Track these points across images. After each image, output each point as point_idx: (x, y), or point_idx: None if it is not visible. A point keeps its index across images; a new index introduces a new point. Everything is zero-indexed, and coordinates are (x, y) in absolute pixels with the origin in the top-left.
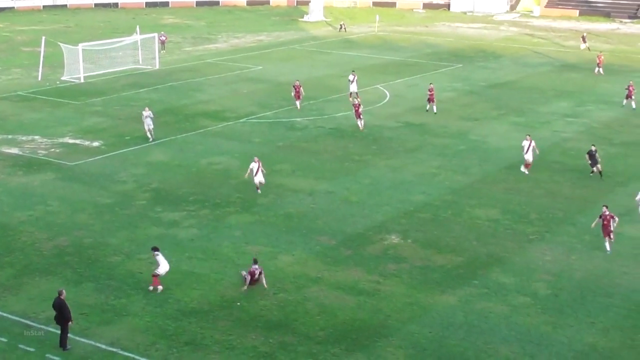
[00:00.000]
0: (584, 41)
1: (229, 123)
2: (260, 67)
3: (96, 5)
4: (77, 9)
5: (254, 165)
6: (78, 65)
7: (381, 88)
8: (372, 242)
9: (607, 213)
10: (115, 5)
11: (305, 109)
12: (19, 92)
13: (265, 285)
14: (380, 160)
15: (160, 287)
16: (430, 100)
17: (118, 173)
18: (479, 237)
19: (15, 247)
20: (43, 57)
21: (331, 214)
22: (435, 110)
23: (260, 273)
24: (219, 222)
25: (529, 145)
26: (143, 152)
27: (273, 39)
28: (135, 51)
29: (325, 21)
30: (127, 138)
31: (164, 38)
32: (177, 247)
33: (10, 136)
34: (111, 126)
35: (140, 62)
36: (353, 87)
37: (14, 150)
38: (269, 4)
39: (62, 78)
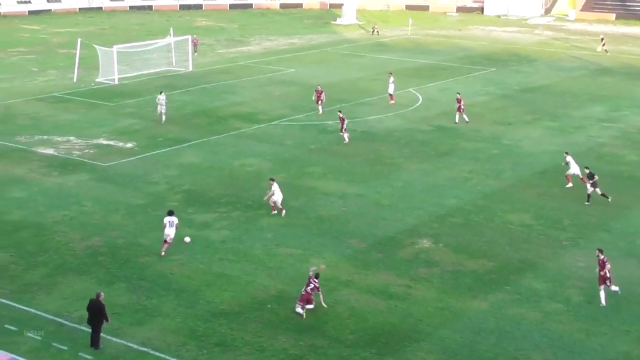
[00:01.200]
0: (603, 44)
1: (261, 125)
2: (293, 70)
3: (131, 7)
4: (112, 12)
5: (274, 187)
6: (112, 67)
7: (414, 91)
8: (403, 245)
9: (601, 257)
10: (150, 7)
11: (335, 112)
12: (54, 94)
13: (324, 305)
14: (412, 163)
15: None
16: (459, 110)
17: (151, 174)
18: (511, 242)
19: (50, 247)
20: (78, 58)
21: (362, 217)
22: (467, 119)
23: (317, 289)
24: (250, 224)
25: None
26: (176, 153)
27: (306, 41)
28: (169, 53)
29: (358, 24)
30: (159, 139)
31: (196, 41)
32: (209, 249)
33: (45, 137)
34: (144, 128)
35: (174, 64)
36: (390, 89)
37: (50, 151)
38: (301, 7)
39: (97, 80)
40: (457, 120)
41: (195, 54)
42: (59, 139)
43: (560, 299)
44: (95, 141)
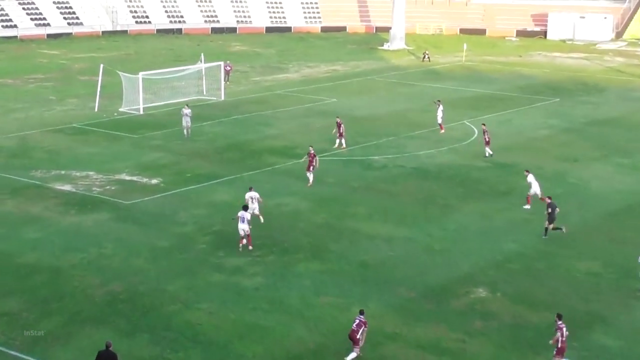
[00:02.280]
0: None
1: (299, 161)
2: (335, 100)
3: (158, 31)
4: (138, 35)
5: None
6: (137, 95)
7: (468, 124)
8: (456, 295)
9: (560, 323)
10: (179, 31)
11: (384, 146)
12: (74, 124)
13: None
14: (467, 204)
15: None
16: (487, 143)
17: (177, 214)
18: (578, 293)
19: (65, 293)
20: (100, 86)
21: (411, 264)
22: (491, 152)
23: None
24: (286, 269)
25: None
26: (205, 191)
27: (349, 68)
28: (199, 81)
29: (407, 50)
30: (188, 175)
31: (228, 68)
32: (240, 297)
33: (63, 172)
34: (171, 162)
35: (204, 93)
36: (439, 118)
37: (67, 187)
38: (345, 30)
39: (120, 109)
40: (487, 154)
41: (228, 82)
42: (77, 174)
43: (635, 356)
44: (117, 177)
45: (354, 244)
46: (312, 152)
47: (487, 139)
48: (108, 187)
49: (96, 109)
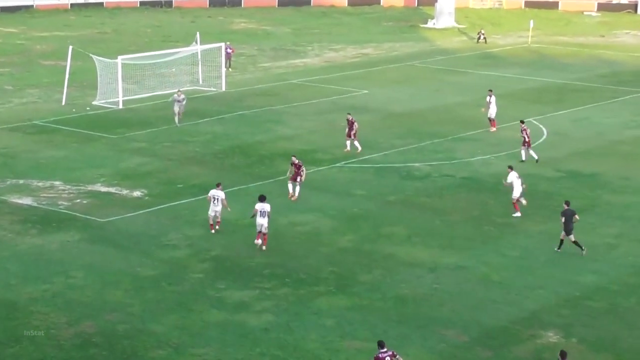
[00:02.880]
0: None
1: (321, 168)
2: (366, 92)
3: (142, 3)
4: (117, 9)
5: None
6: (116, 85)
7: (535, 122)
8: (520, 340)
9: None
10: (169, 4)
11: (427, 150)
12: (35, 121)
13: None
14: (533, 224)
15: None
16: (525, 144)
17: (167, 234)
18: None
19: (23, 335)
20: (69, 73)
21: (462, 299)
22: (536, 157)
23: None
24: (303, 305)
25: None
26: (203, 205)
27: (384, 52)
28: (194, 67)
29: (458, 28)
30: (179, 186)
31: (230, 50)
32: (246, 339)
33: (21, 181)
34: (159, 169)
35: (201, 83)
36: (492, 112)
37: (26, 201)
38: (379, 3)
39: (94, 102)
40: (523, 158)
41: (230, 69)
42: (39, 184)
43: None
44: (89, 187)
45: (390, 274)
46: (297, 161)
47: (526, 139)
48: (78, 200)
49: (63, 102)
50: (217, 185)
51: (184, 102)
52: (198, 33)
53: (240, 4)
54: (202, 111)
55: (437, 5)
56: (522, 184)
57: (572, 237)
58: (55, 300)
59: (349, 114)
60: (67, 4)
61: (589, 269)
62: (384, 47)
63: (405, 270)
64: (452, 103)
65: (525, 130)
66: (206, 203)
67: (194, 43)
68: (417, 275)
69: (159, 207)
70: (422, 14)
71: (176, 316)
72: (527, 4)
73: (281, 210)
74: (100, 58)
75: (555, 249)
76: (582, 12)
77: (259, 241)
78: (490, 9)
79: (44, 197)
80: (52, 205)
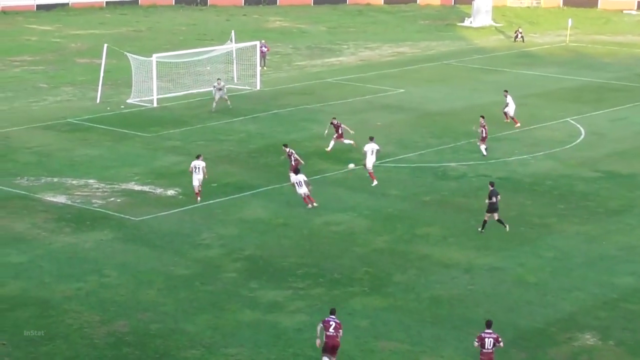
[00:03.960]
0: None
1: (356, 168)
2: (402, 91)
3: (177, 1)
4: (152, 7)
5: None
6: (150, 83)
7: (573, 122)
8: (555, 342)
9: (486, 334)
10: (204, 2)
11: (463, 150)
12: (69, 119)
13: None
14: (569, 225)
15: None
16: (483, 140)
17: (200, 233)
18: None
19: (57, 333)
20: (104, 71)
21: (498, 300)
22: (485, 154)
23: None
24: (337, 306)
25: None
26: (236, 205)
27: (420, 51)
28: (229, 65)
29: (495, 27)
30: (213, 185)
31: (265, 49)
32: (279, 340)
33: (56, 179)
34: None
35: (235, 81)
36: (510, 109)
37: (60, 199)
38: (415, 2)
39: (129, 101)
40: (485, 154)
41: (265, 67)
42: (74, 182)
43: None
44: (123, 186)
45: (424, 274)
46: (289, 150)
47: (483, 135)
48: (112, 199)
49: (98, 100)
50: (197, 157)
51: (225, 89)
52: (233, 31)
53: (276, 2)
54: (236, 110)
55: (474, 3)
56: (372, 154)
57: (495, 216)
58: (88, 299)
59: (334, 118)
60: (103, 2)
61: (626, 271)
62: (420, 46)
63: (440, 271)
64: (488, 102)
65: (484, 126)
66: (238, 203)
67: (228, 41)
68: (452, 276)
69: (192, 206)
70: (459, 12)
71: (209, 316)
72: (565, 3)
73: (316, 210)
74: (135, 56)
75: (479, 229)
76: (621, 11)
77: (310, 205)
78: (528, 7)
79: (78, 195)
80: (86, 204)
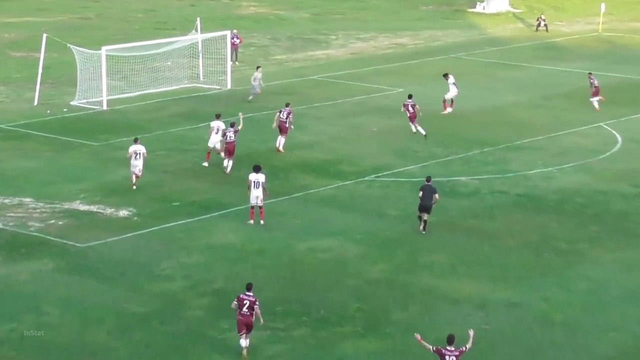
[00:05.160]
0: None
1: (346, 182)
2: (400, 90)
3: None
4: None
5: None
6: (99, 81)
7: (606, 127)
8: None
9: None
10: None
11: (475, 161)
12: (0, 125)
13: (261, 321)
14: (604, 250)
15: None
16: (412, 119)
17: (159, 262)
18: None
19: None
20: (43, 67)
21: (518, 343)
22: (415, 130)
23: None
24: (325, 350)
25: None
26: (202, 227)
27: (422, 42)
28: (194, 60)
29: (513, 13)
30: (175, 204)
31: (237, 40)
32: None
33: None
34: (151, 183)
35: (201, 79)
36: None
37: None
38: None
39: (73, 102)
40: (414, 130)
41: (237, 62)
42: (5, 200)
43: None
44: (66, 205)
45: (429, 311)
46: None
47: (411, 112)
48: (53, 221)
49: (36, 102)
50: (135, 141)
51: (260, 79)
52: (199, 19)
53: None
54: (202, 113)
55: None
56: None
57: (425, 216)
58: (23, 343)
59: (288, 103)
60: None
61: None
62: (423, 36)
63: (449, 307)
64: (505, 103)
65: (413, 105)
66: (205, 226)
67: (193, 31)
68: (462, 313)
69: (150, 229)
70: None
71: None
72: None
73: (298, 234)
74: (81, 49)
75: (420, 228)
76: None
77: (252, 221)
78: None
79: (11, 217)
80: (21, 227)
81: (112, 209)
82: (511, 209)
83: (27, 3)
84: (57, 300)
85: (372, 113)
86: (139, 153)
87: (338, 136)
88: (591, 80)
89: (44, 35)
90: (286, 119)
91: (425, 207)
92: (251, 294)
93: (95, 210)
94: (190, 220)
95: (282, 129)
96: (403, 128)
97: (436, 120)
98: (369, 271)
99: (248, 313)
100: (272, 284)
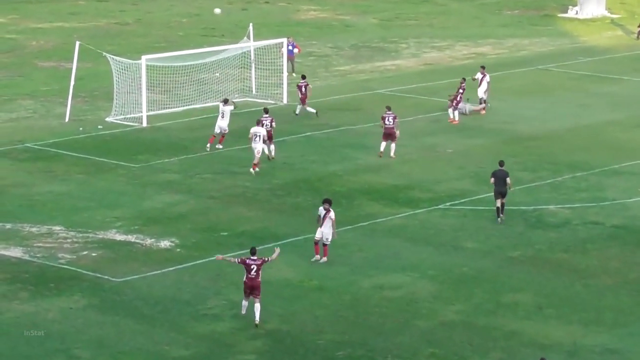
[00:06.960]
0: None
1: (419, 211)
2: (481, 106)
3: None
4: None
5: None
6: (138, 95)
7: None
8: None
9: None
10: None
11: (565, 188)
12: (28, 144)
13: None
14: None
15: None
16: (303, 101)
17: (205, 300)
18: None
19: None
20: (75, 79)
21: None
22: (310, 110)
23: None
24: None
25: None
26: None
27: (506, 51)
28: (245, 71)
29: (611, 18)
30: (224, 234)
31: (294, 48)
32: None
33: (9, 225)
34: (195, 211)
35: (254, 92)
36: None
37: (15, 252)
38: None
39: (108, 119)
40: (297, 112)
41: (294, 73)
42: (33, 229)
43: None
44: (101, 235)
45: (512, 359)
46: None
47: (303, 93)
48: (85, 252)
49: (67, 118)
50: (226, 102)
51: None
52: (251, 25)
53: None
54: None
55: None
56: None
57: (498, 202)
58: None
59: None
60: None
61: None
62: (507, 45)
63: (535, 353)
64: (601, 122)
65: (306, 86)
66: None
67: (245, 38)
68: None
69: (194, 262)
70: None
71: None
72: None
73: (363, 269)
74: (118, 58)
75: (498, 221)
76: None
77: (318, 256)
78: None
79: (39, 247)
80: (50, 259)
81: (152, 239)
82: (607, 242)
83: (58, 6)
84: (89, 342)
85: (448, 132)
86: (258, 135)
87: (409, 158)
88: None
89: (77, 43)
90: (392, 123)
91: (500, 193)
92: (256, 257)
93: (132, 240)
94: (240, 252)
95: (391, 135)
96: (483, 149)
97: (520, 141)
98: (444, 312)
99: (254, 276)
100: (333, 326)
